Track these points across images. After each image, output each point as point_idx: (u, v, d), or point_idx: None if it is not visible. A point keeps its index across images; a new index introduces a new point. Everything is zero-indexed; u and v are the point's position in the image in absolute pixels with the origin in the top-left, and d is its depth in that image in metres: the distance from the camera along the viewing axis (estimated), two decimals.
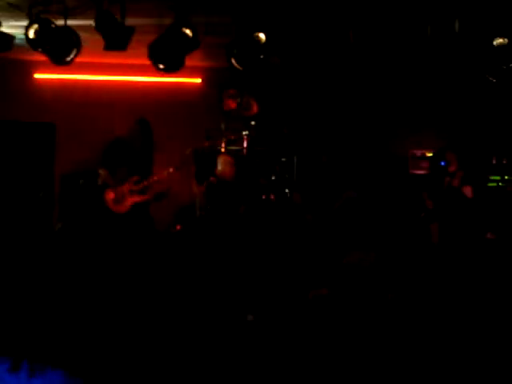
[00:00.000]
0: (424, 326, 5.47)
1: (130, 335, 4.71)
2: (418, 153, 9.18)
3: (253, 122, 8.70)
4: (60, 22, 6.06)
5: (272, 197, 8.36)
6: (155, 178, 7.70)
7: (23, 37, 6.04)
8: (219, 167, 7.35)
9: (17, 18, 6.26)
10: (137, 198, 7.69)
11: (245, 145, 8.33)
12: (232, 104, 8.57)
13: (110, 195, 7.65)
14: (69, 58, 6.31)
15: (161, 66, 6.35)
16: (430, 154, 8.70)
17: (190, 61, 6.42)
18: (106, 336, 4.43)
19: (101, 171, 7.71)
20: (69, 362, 2.81)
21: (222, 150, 7.77)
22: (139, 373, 4.18)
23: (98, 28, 5.91)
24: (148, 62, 6.37)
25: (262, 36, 6.07)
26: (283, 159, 8.59)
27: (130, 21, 5.98)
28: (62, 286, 5.35)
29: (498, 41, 6.26)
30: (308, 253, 7.20)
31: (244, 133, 7.67)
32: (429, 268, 7.06)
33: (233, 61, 6.34)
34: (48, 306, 4.12)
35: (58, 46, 6.15)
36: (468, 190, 7.67)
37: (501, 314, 5.57)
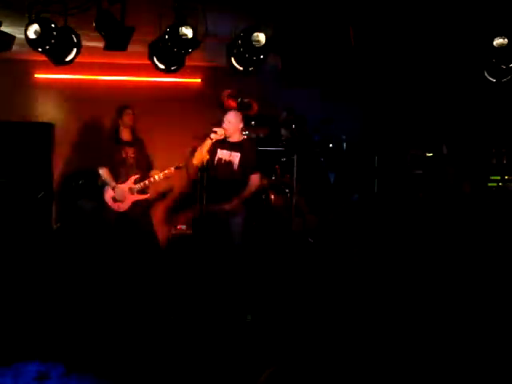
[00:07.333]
0: (424, 325, 5.46)
1: (132, 334, 4.71)
2: (418, 153, 9.17)
3: (253, 122, 8.70)
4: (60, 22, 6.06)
5: (272, 197, 8.35)
6: (156, 177, 7.69)
7: (23, 37, 6.03)
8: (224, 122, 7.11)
9: (17, 17, 6.26)
10: (137, 197, 7.69)
11: None
12: (232, 104, 8.57)
13: (110, 194, 7.65)
14: (69, 58, 6.30)
15: (161, 66, 6.34)
16: (430, 154, 8.70)
17: (190, 61, 6.42)
18: (112, 334, 4.44)
19: (101, 170, 7.70)
20: (98, 365, 2.81)
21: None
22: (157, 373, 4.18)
23: (98, 28, 5.91)
24: (148, 62, 6.36)
25: (261, 36, 6.06)
26: (283, 159, 8.59)
27: (130, 21, 5.97)
28: (72, 287, 5.35)
29: (498, 41, 6.26)
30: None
31: (244, 133, 7.63)
32: (428, 267, 7.06)
33: (233, 61, 6.33)
34: (71, 310, 4.09)
35: (58, 46, 6.14)
36: (466, 186, 7.67)
37: (501, 314, 5.57)
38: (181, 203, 8.95)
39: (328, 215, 7.56)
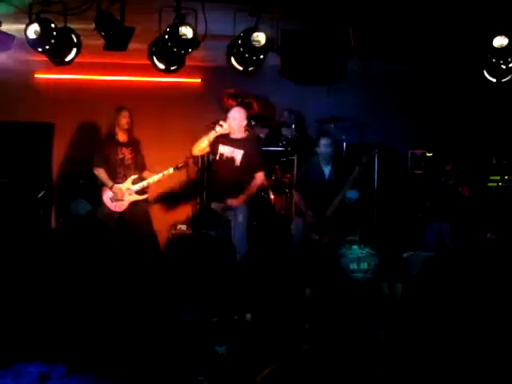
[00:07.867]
0: (422, 326, 5.46)
1: (133, 334, 4.72)
2: (418, 153, 9.18)
3: (253, 122, 8.70)
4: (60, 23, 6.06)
5: (272, 197, 8.35)
6: (155, 177, 7.68)
7: (23, 37, 6.03)
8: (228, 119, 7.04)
9: (17, 17, 6.25)
10: (136, 198, 7.68)
11: None
12: (232, 104, 8.57)
13: (109, 194, 7.65)
14: (69, 58, 6.30)
15: (161, 66, 6.34)
16: (430, 154, 8.71)
17: (190, 61, 6.42)
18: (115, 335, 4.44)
19: (96, 171, 7.69)
20: (100, 365, 2.81)
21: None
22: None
23: (98, 28, 5.90)
24: (148, 62, 6.36)
25: (262, 36, 6.06)
26: (283, 159, 8.59)
27: (130, 21, 5.97)
28: (72, 287, 5.35)
29: (498, 41, 6.26)
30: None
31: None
32: (428, 267, 7.05)
33: (233, 61, 6.33)
34: (72, 309, 4.09)
35: (58, 46, 6.14)
36: (465, 189, 7.69)
37: (501, 314, 5.57)
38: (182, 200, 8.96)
39: (322, 209, 7.54)
